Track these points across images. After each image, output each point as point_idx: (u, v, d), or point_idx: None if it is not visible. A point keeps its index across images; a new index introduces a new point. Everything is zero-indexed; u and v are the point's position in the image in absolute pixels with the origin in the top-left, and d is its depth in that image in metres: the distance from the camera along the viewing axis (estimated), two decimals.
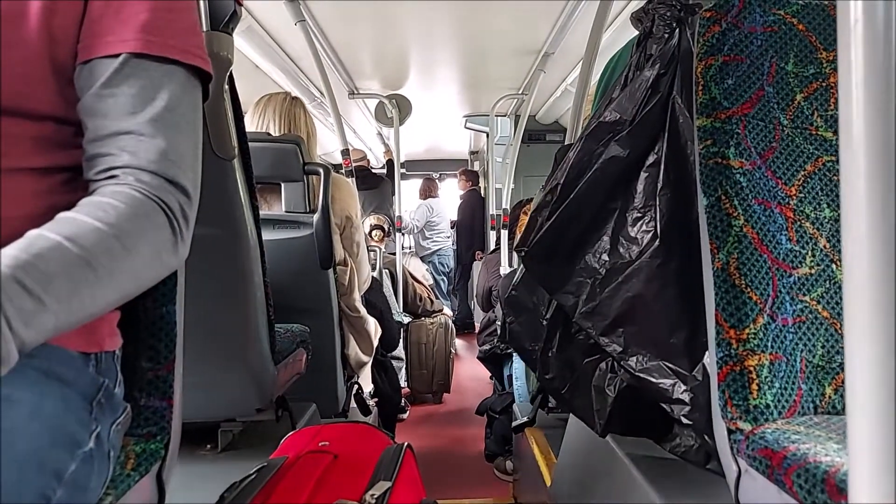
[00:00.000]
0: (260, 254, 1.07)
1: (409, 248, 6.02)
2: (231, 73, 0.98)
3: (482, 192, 6.02)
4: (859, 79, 0.40)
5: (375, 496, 0.67)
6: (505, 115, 4.78)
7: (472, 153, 6.91)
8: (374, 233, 3.74)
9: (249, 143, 1.05)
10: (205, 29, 0.93)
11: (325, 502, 0.68)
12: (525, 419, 1.80)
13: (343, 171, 2.81)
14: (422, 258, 5.65)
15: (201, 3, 0.91)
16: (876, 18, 0.39)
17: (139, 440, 0.68)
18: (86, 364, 0.60)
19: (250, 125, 1.73)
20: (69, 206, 0.54)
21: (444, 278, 6.11)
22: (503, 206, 3.84)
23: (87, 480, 0.54)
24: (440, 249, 6.06)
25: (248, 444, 1.23)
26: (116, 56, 0.59)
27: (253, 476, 0.75)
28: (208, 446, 1.18)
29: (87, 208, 0.54)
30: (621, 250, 0.94)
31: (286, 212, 1.59)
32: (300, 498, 0.68)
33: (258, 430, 1.28)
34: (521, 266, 1.13)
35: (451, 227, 6.27)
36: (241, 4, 0.95)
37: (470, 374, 4.36)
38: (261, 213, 1.43)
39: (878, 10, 0.39)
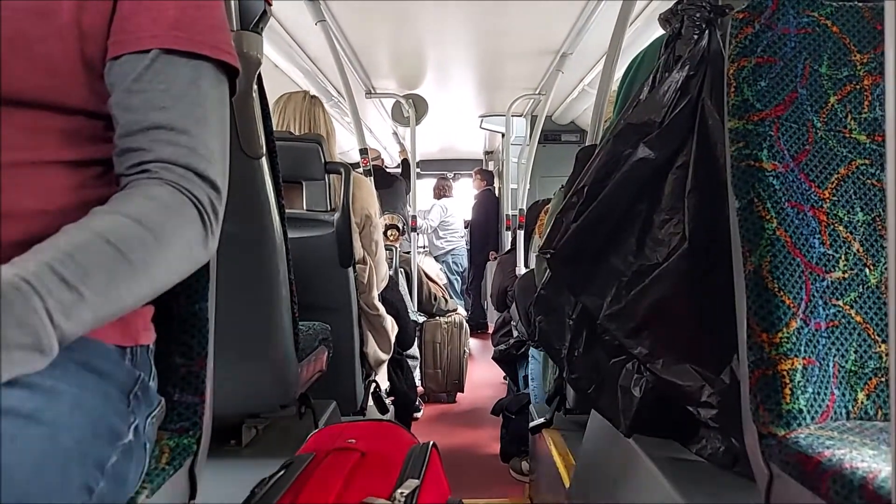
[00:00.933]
0: (286, 252, 1.08)
1: (424, 248, 6.03)
2: (259, 73, 0.99)
3: (497, 192, 6.01)
4: None
5: (405, 494, 0.68)
6: (521, 116, 4.78)
7: (486, 153, 6.91)
8: (389, 232, 3.74)
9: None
10: (235, 28, 0.94)
11: (354, 499, 0.68)
12: (543, 420, 1.80)
13: (361, 170, 2.82)
14: (435, 258, 5.66)
15: (232, 2, 0.92)
16: None
17: (172, 435, 0.69)
18: (122, 357, 0.61)
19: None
20: (102, 201, 0.55)
21: (458, 278, 6.12)
22: (519, 207, 3.84)
23: (127, 472, 0.55)
24: (454, 249, 6.06)
25: (271, 440, 1.24)
26: (147, 52, 0.60)
27: (281, 472, 0.76)
28: (232, 442, 1.19)
29: (120, 202, 0.55)
30: (648, 252, 0.94)
31: (307, 210, 1.60)
32: (330, 495, 0.68)
33: (281, 426, 1.29)
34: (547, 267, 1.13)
35: (465, 227, 6.27)
36: (270, 4, 0.96)
37: (483, 374, 4.36)
38: None
39: None
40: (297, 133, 1.72)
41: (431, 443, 0.84)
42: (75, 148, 0.60)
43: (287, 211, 1.58)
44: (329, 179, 1.61)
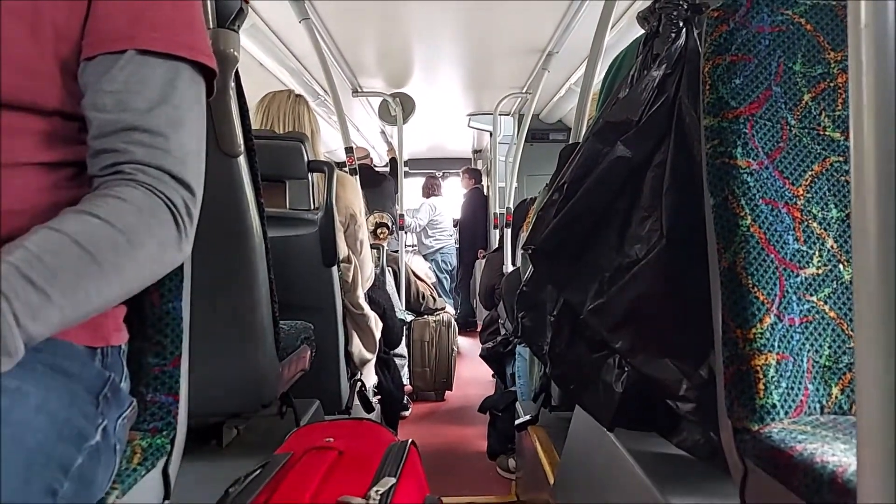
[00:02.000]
0: (265, 251, 1.07)
1: (412, 246, 6.03)
2: (237, 71, 0.98)
3: (486, 190, 6.02)
4: (870, 81, 0.40)
5: (380, 492, 0.67)
6: (508, 114, 4.78)
7: (475, 152, 6.91)
8: (379, 230, 3.73)
9: (254, 141, 1.05)
10: (211, 26, 0.93)
11: (329, 498, 0.68)
12: (528, 417, 1.81)
13: (346, 168, 2.81)
14: (424, 256, 5.66)
15: (208, 0, 0.91)
16: (886, 21, 0.39)
17: (145, 435, 0.68)
18: (91, 358, 0.61)
19: (255, 123, 1.74)
20: (75, 202, 0.55)
21: (447, 276, 6.12)
22: (506, 205, 3.84)
23: (94, 474, 0.54)
24: (443, 248, 6.06)
25: (252, 440, 1.23)
26: (121, 52, 0.59)
27: (258, 471, 0.75)
28: (213, 442, 1.18)
29: (91, 204, 0.54)
30: (628, 249, 0.94)
31: (290, 209, 1.59)
32: (305, 493, 0.68)
33: (262, 426, 1.28)
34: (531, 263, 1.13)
35: (454, 226, 6.27)
36: (247, 2, 0.95)
37: (472, 372, 4.36)
38: (266, 210, 1.44)
39: (888, 12, 0.39)
40: (281, 132, 1.71)
41: (410, 440, 0.84)
42: (50, 150, 0.59)
43: (270, 210, 1.57)
44: (313, 178, 1.60)
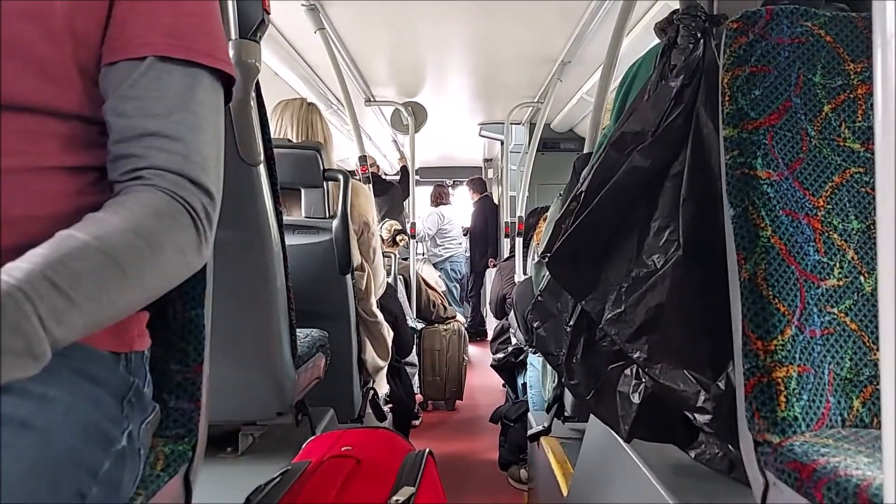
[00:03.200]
0: (283, 259, 1.08)
1: (422, 255, 6.04)
2: (258, 81, 0.99)
3: (496, 198, 6.02)
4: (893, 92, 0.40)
5: (400, 501, 0.68)
6: (520, 124, 4.79)
7: (486, 160, 6.93)
8: (399, 237, 3.74)
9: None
10: (233, 37, 0.94)
11: None
12: (541, 428, 1.80)
13: (360, 177, 2.83)
14: (434, 265, 5.66)
15: (230, 11, 0.92)
16: None
17: (168, 441, 0.69)
18: (116, 363, 0.61)
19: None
20: (96, 207, 0.55)
21: (457, 285, 6.12)
22: (518, 214, 3.84)
23: (121, 478, 0.55)
24: (452, 256, 6.07)
25: (267, 447, 1.23)
26: (142, 59, 0.60)
27: (277, 479, 0.76)
28: (229, 449, 1.19)
29: (113, 209, 0.55)
30: (646, 259, 0.94)
31: (306, 217, 1.60)
32: (325, 501, 0.68)
33: (277, 434, 1.29)
34: (546, 272, 1.13)
35: (464, 235, 6.27)
36: (268, 13, 0.96)
37: (482, 381, 4.35)
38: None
39: None
40: (294, 140, 1.73)
41: (427, 450, 0.84)
42: (73, 153, 0.60)
43: (285, 218, 1.59)
44: (327, 186, 1.61)
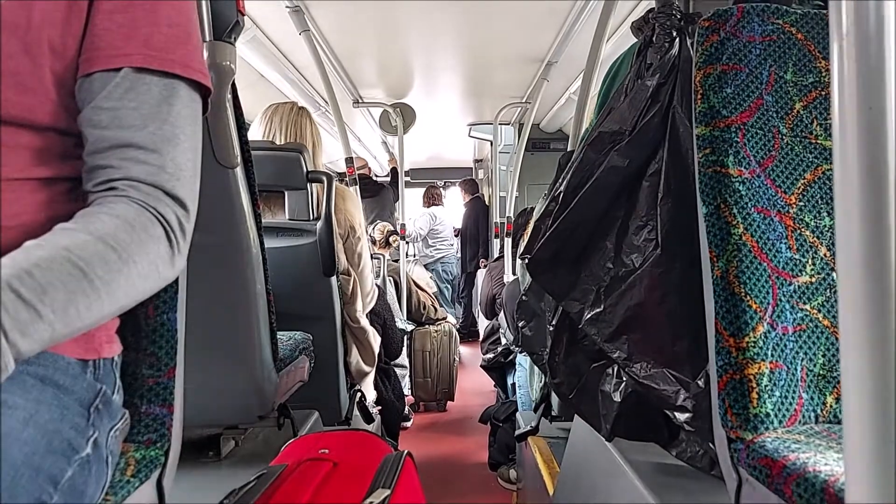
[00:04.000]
0: (262, 261, 1.08)
1: (413, 256, 6.04)
2: (234, 82, 0.99)
3: (486, 199, 6.03)
4: (852, 90, 0.40)
5: None
6: (509, 124, 4.80)
7: (476, 161, 6.93)
8: (391, 238, 3.73)
9: (253, 152, 1.05)
10: (207, 38, 0.94)
11: None
12: (528, 428, 1.80)
13: (347, 179, 2.82)
14: (425, 266, 5.65)
15: (204, 13, 0.92)
16: (868, 26, 0.40)
17: (139, 447, 0.68)
18: (83, 371, 0.61)
19: (257, 134, 1.74)
20: (69, 217, 0.55)
21: (448, 286, 6.11)
22: (507, 215, 3.85)
23: (85, 486, 0.54)
24: (443, 257, 6.06)
25: (249, 451, 1.23)
26: (118, 70, 0.60)
27: (252, 483, 0.75)
28: (210, 453, 1.18)
29: (84, 220, 0.54)
30: (625, 258, 0.95)
31: (290, 219, 1.59)
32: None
33: (260, 437, 1.28)
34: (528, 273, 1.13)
35: (455, 235, 6.27)
36: (243, 14, 0.96)
37: (474, 382, 4.35)
38: (264, 220, 1.44)
39: (869, 17, 0.40)
40: (282, 143, 1.72)
41: (405, 451, 0.84)
42: (45, 165, 0.59)
43: (269, 220, 1.59)
44: (312, 189, 1.61)
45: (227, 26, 0.94)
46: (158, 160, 0.59)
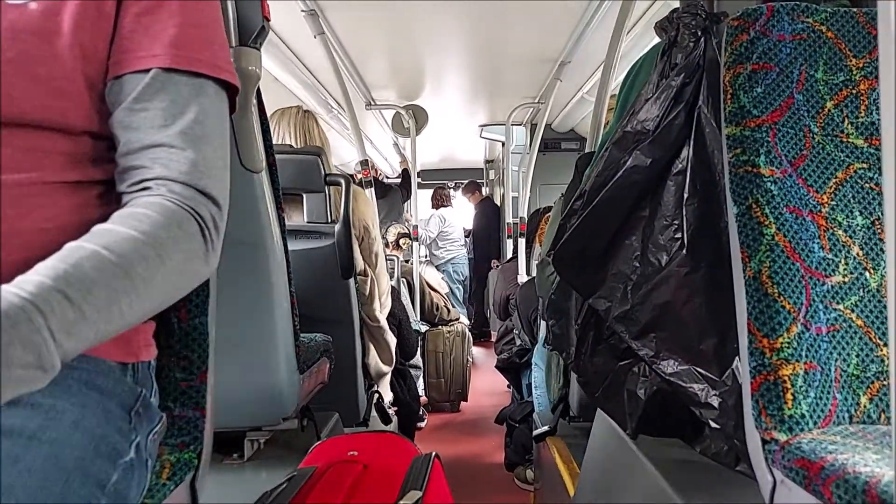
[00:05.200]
0: (286, 265, 1.08)
1: (425, 257, 6.04)
2: (259, 88, 1.00)
3: (499, 199, 6.02)
4: None
5: None
6: (521, 124, 4.79)
7: (487, 162, 6.93)
8: (402, 241, 3.74)
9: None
10: (233, 44, 0.94)
11: None
12: (547, 428, 1.80)
13: (362, 181, 2.83)
14: (436, 267, 5.66)
15: (231, 19, 0.93)
16: None
17: (173, 450, 0.69)
18: (123, 374, 0.61)
19: None
20: (103, 219, 0.55)
21: (459, 287, 6.11)
22: (519, 215, 3.84)
23: (129, 489, 0.55)
24: (454, 258, 6.06)
25: (273, 453, 1.23)
26: (147, 71, 0.60)
27: (283, 485, 0.76)
28: (235, 455, 1.19)
29: (121, 219, 0.55)
30: (651, 257, 0.95)
31: (308, 222, 1.60)
32: None
33: (283, 439, 1.29)
34: (551, 271, 1.14)
35: (466, 236, 6.27)
36: (269, 20, 0.97)
37: (486, 382, 4.35)
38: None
39: None
40: (293, 146, 1.73)
41: (434, 453, 0.84)
42: (79, 169, 0.60)
43: (287, 223, 1.59)
44: (329, 191, 1.61)
45: (252, 32, 0.95)
46: (189, 159, 0.60)
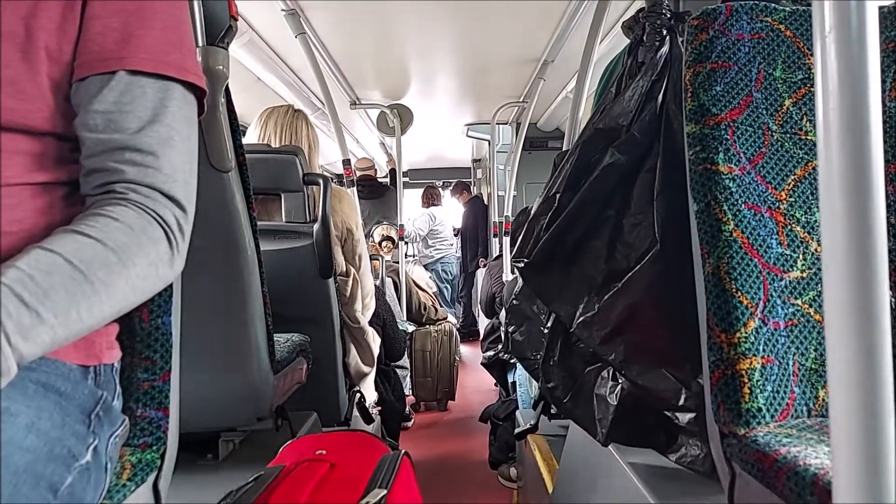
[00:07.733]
0: (258, 264, 1.08)
1: (413, 256, 6.04)
2: (227, 87, 0.99)
3: (485, 199, 6.03)
4: (834, 87, 0.40)
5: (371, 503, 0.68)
6: (506, 123, 4.80)
7: (474, 161, 6.93)
8: (383, 244, 3.73)
9: (249, 155, 1.06)
10: (200, 44, 0.94)
11: None
12: (527, 426, 1.80)
13: (345, 180, 2.83)
14: (425, 266, 5.66)
15: (197, 18, 0.92)
16: (850, 25, 0.40)
17: (135, 450, 0.69)
18: (84, 377, 0.61)
19: (253, 138, 1.75)
20: (68, 221, 0.55)
21: (448, 286, 6.12)
22: (505, 214, 3.85)
23: (84, 493, 0.54)
24: (443, 257, 6.07)
25: (248, 453, 1.23)
26: (112, 73, 0.60)
27: (250, 484, 0.76)
28: (209, 456, 1.18)
29: (83, 223, 0.55)
30: (619, 257, 0.94)
31: (286, 222, 1.60)
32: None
33: (258, 439, 1.29)
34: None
35: (455, 235, 6.28)
36: (236, 19, 0.96)
37: (475, 381, 4.36)
38: (261, 223, 1.44)
39: (851, 16, 0.40)
40: (277, 146, 1.72)
41: (402, 451, 0.84)
42: (43, 170, 0.60)
43: (265, 223, 1.59)
44: (309, 191, 1.61)
45: (219, 31, 0.95)
46: (155, 162, 0.60)
